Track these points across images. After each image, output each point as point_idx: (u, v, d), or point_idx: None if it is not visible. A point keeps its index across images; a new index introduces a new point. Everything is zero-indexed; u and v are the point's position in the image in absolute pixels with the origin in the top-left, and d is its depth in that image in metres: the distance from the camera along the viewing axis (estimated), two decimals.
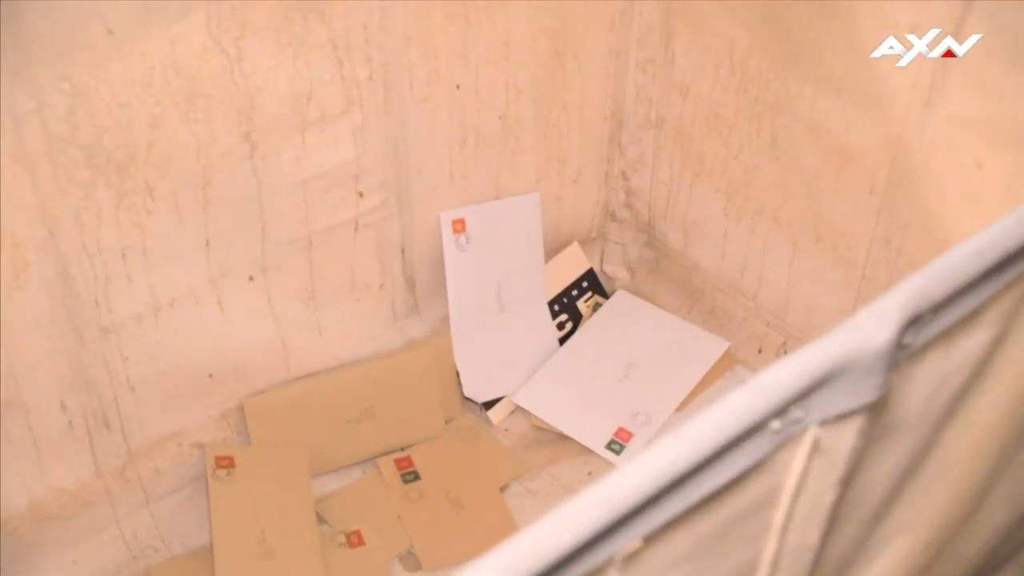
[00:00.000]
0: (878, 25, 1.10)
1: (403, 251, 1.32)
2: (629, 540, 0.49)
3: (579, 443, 1.35)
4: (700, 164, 1.41)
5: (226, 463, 1.21)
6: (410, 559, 1.23)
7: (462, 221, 1.34)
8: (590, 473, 1.32)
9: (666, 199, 1.48)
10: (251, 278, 1.20)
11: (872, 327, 0.52)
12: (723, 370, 1.42)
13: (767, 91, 1.27)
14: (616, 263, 1.58)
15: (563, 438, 1.36)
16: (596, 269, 1.55)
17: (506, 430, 1.38)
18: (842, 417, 0.54)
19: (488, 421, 1.38)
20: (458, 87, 1.26)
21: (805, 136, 1.25)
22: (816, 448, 0.54)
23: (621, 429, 1.35)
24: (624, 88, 1.44)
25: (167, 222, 1.10)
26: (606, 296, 1.54)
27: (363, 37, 1.14)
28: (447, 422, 1.36)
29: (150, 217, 1.08)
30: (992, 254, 0.54)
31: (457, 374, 1.38)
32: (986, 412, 0.66)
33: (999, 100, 1.04)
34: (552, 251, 1.48)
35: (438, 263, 1.35)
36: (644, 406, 1.38)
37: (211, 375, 1.21)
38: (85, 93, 0.98)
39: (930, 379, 0.60)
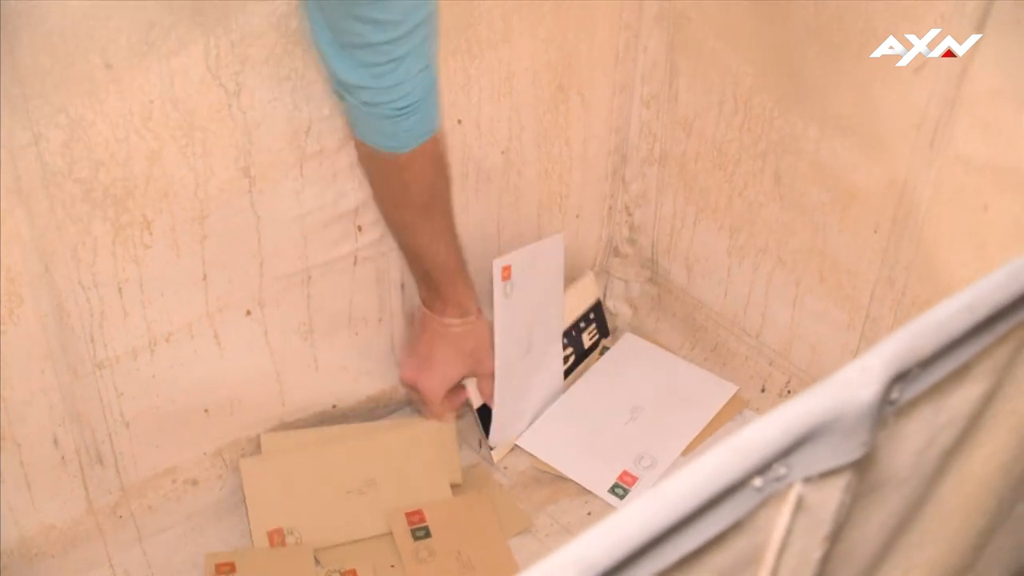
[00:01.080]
0: (885, 66, 1.09)
1: (403, 286, 1.31)
2: None
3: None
4: (704, 200, 1.40)
5: (226, 569, 1.18)
6: None
7: (509, 268, 1.28)
8: (589, 513, 1.30)
9: (669, 235, 1.47)
10: (248, 312, 1.19)
11: (857, 383, 0.51)
12: (731, 414, 1.40)
13: (771, 129, 1.26)
14: (618, 299, 1.56)
15: (563, 477, 1.35)
16: None
17: (505, 468, 1.36)
18: (827, 474, 0.52)
19: (489, 460, 1.37)
20: (460, 121, 1.26)
21: (810, 175, 1.24)
22: (800, 506, 0.53)
23: (625, 473, 1.33)
24: (628, 123, 1.43)
25: (164, 256, 1.09)
26: (607, 333, 1.52)
27: None
28: (453, 487, 1.31)
29: (147, 251, 1.08)
30: (982, 309, 0.53)
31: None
32: (980, 466, 0.64)
33: (1006, 141, 1.03)
34: None
35: None
36: (649, 450, 1.36)
37: (206, 410, 1.20)
38: (82, 126, 0.97)
39: (920, 433, 0.58)
